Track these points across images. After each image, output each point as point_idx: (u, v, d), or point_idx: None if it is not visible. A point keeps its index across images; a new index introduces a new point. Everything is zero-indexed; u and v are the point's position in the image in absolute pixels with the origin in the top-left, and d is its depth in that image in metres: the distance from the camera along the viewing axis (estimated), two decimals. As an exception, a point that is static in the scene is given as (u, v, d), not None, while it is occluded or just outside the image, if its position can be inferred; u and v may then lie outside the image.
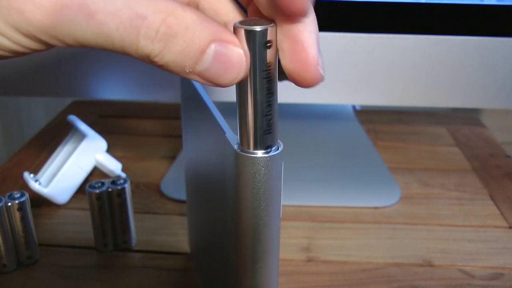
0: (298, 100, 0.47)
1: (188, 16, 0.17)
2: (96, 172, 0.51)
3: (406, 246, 0.42)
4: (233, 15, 0.22)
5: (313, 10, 0.20)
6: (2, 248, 0.37)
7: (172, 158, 0.56)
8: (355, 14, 0.43)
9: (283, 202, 0.47)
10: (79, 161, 0.47)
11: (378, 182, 0.51)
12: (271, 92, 0.20)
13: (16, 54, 0.18)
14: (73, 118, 0.49)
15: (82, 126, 0.48)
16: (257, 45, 0.18)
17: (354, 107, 0.68)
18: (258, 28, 0.18)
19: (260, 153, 0.20)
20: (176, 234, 0.43)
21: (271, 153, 0.20)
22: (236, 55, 0.18)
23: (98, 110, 0.70)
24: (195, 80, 0.19)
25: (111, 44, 0.17)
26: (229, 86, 0.19)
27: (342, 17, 0.43)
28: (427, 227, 0.45)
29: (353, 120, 0.64)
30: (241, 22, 0.19)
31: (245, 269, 0.23)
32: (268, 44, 0.19)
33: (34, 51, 0.18)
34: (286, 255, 0.41)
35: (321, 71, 0.20)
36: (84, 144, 0.47)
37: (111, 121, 0.66)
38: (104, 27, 0.16)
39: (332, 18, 0.43)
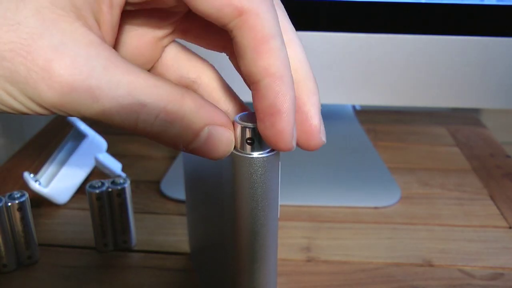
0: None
1: (186, 105, 0.19)
2: (96, 172, 0.51)
3: (406, 246, 0.42)
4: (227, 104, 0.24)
5: (314, 83, 0.22)
6: (2, 248, 0.37)
7: (172, 158, 0.56)
8: (355, 14, 0.43)
9: (283, 202, 0.47)
10: (79, 161, 0.47)
11: (378, 182, 0.51)
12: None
13: (22, 113, 0.19)
14: (73, 118, 0.49)
15: (82, 126, 0.48)
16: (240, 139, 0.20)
17: (354, 107, 0.68)
18: (242, 124, 0.20)
19: (256, 154, 0.20)
20: (176, 234, 0.43)
21: (268, 154, 0.20)
22: (226, 137, 0.20)
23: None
24: (184, 151, 0.20)
25: (110, 122, 0.18)
26: (216, 160, 0.20)
27: (342, 17, 0.43)
28: (427, 227, 0.45)
29: (353, 120, 0.64)
30: (241, 117, 0.20)
31: (244, 269, 0.23)
32: (249, 141, 0.20)
33: (43, 115, 0.19)
34: (286, 255, 0.41)
35: (323, 138, 0.22)
36: (84, 144, 0.47)
37: (111, 121, 0.66)
38: (106, 110, 0.18)
39: (332, 18, 0.43)
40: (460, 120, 0.69)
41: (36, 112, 0.18)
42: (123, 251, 0.41)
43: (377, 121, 0.68)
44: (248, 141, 0.20)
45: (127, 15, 0.22)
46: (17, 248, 0.38)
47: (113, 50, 0.19)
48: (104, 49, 0.18)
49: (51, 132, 0.63)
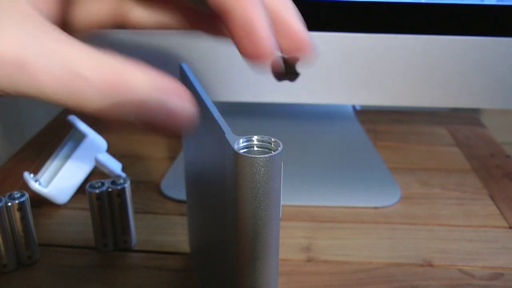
0: (298, 100, 0.47)
1: (129, 72, 0.18)
2: (96, 172, 0.51)
3: (406, 246, 0.42)
4: None
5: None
6: (2, 248, 0.37)
7: (172, 158, 0.56)
8: (355, 14, 0.43)
9: (283, 202, 0.47)
10: (79, 161, 0.47)
11: (378, 182, 0.51)
12: None
13: None
14: (73, 118, 0.49)
15: (82, 126, 0.48)
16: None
17: (354, 107, 0.68)
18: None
19: (259, 153, 0.20)
20: (176, 234, 0.43)
21: (270, 153, 0.20)
22: (178, 100, 0.19)
23: (98, 110, 0.70)
24: (145, 131, 0.19)
25: (45, 97, 0.17)
26: (177, 134, 0.19)
27: (342, 17, 0.43)
28: (427, 227, 0.45)
29: (353, 120, 0.64)
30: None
31: (245, 269, 0.23)
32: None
33: None
34: (286, 255, 0.41)
35: (309, 38, 0.21)
36: (84, 144, 0.47)
37: (111, 121, 0.66)
38: (38, 82, 0.17)
39: (332, 18, 0.43)
40: (460, 120, 0.69)
41: None
42: (123, 251, 0.41)
43: (377, 121, 0.68)
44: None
45: None
46: (17, 248, 0.38)
47: (49, 21, 0.18)
48: (37, 19, 0.17)
49: (51, 132, 0.63)
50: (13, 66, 0.16)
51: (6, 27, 0.16)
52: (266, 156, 0.20)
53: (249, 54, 0.20)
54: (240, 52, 0.20)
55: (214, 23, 0.24)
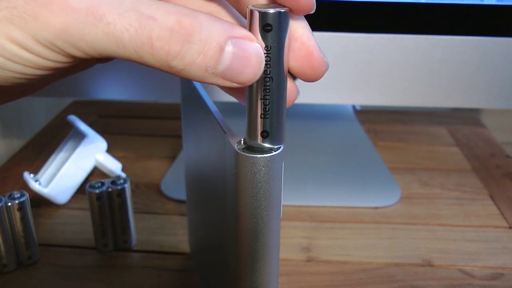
0: (298, 100, 0.47)
1: (200, 16, 0.17)
2: (96, 172, 0.51)
3: (406, 246, 0.42)
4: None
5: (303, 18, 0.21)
6: (2, 248, 0.37)
7: (172, 158, 0.56)
8: (355, 14, 0.43)
9: (283, 202, 0.47)
10: (79, 161, 0.47)
11: (378, 182, 0.51)
12: (269, 76, 0.19)
13: (40, 69, 0.18)
14: (73, 118, 0.49)
15: (82, 126, 0.48)
16: (256, 27, 0.18)
17: (354, 107, 0.68)
18: (258, 10, 0.18)
19: (260, 153, 0.20)
20: (176, 234, 0.43)
21: (271, 153, 0.20)
22: (254, 49, 0.18)
23: (98, 110, 0.70)
24: (218, 84, 0.18)
25: (122, 47, 0.17)
26: (251, 83, 0.19)
27: (342, 17, 0.43)
28: (427, 227, 0.45)
29: (353, 120, 0.64)
30: (255, 5, 0.19)
31: (245, 269, 0.23)
32: (267, 28, 0.18)
33: (56, 63, 0.18)
34: (286, 255, 0.41)
35: (325, 59, 0.21)
36: (84, 144, 0.47)
37: (111, 121, 0.67)
38: (112, 28, 0.17)
39: (332, 18, 0.43)
40: (460, 120, 0.69)
41: (43, 56, 0.17)
42: (123, 251, 0.41)
43: (377, 121, 0.68)
44: (266, 27, 0.18)
45: None
46: (17, 248, 0.38)
47: None
48: None
49: (51, 132, 0.63)
50: (87, 14, 0.16)
51: None
52: (266, 156, 0.20)
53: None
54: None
55: None
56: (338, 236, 0.43)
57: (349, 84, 0.45)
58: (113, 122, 0.66)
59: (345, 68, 0.45)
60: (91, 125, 0.50)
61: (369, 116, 0.69)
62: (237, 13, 0.22)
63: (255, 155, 0.20)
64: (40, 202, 0.46)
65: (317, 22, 0.43)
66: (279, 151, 0.21)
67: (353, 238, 0.43)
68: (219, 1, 0.23)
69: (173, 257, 0.40)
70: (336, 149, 0.57)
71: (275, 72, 0.19)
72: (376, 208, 0.47)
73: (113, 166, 0.49)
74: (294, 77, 0.22)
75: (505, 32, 0.43)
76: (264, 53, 0.19)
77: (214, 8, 0.23)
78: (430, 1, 0.42)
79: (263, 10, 0.18)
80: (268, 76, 0.19)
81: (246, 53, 0.18)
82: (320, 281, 0.38)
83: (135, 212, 0.44)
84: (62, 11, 0.16)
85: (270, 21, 0.18)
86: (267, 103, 0.20)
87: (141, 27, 0.17)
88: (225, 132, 0.22)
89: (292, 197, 0.48)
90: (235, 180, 0.21)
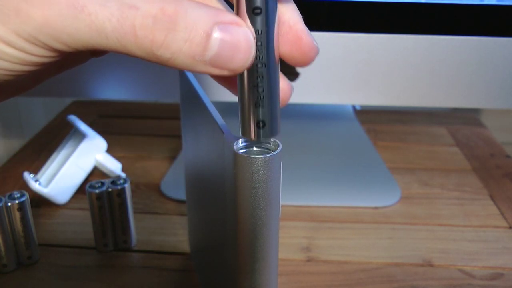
0: (298, 100, 0.47)
1: (185, 2, 0.17)
2: (96, 172, 0.51)
3: (406, 246, 0.42)
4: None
5: None
6: (2, 248, 0.37)
7: (172, 158, 0.56)
8: (355, 14, 0.43)
9: (283, 202, 0.47)
10: (79, 161, 0.47)
11: (378, 182, 0.51)
12: (261, 62, 0.18)
13: (27, 64, 0.18)
14: (73, 118, 0.49)
15: (82, 126, 0.48)
16: (244, 10, 0.18)
17: (354, 107, 0.68)
18: None
19: (258, 153, 0.20)
20: (176, 234, 0.43)
21: (269, 154, 0.20)
22: (243, 34, 0.17)
23: (98, 110, 0.70)
24: (207, 72, 0.18)
25: (105, 38, 0.17)
26: (243, 70, 0.18)
27: (342, 17, 0.43)
28: (427, 227, 0.45)
29: (353, 120, 0.64)
30: None
31: (245, 269, 0.23)
32: (256, 11, 0.18)
33: (42, 58, 0.17)
34: (286, 255, 0.41)
35: (315, 43, 0.20)
36: (84, 144, 0.47)
37: (111, 121, 0.67)
38: (94, 19, 0.16)
39: (332, 18, 0.43)
40: (460, 120, 0.69)
41: (28, 51, 0.17)
42: (123, 251, 0.41)
43: (377, 121, 0.68)
44: (256, 10, 0.18)
45: None
46: (17, 248, 0.38)
47: None
48: None
49: (51, 132, 0.63)
50: (68, 6, 0.16)
51: None
52: (265, 156, 0.20)
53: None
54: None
55: None
56: (338, 236, 0.43)
57: (349, 84, 0.45)
58: (113, 122, 0.66)
59: (345, 68, 0.45)
60: (91, 125, 0.50)
61: (369, 116, 0.69)
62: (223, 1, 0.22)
63: (253, 156, 0.20)
64: (40, 202, 0.46)
65: (317, 22, 0.43)
66: (277, 151, 0.21)
67: (353, 238, 0.43)
68: None
69: (173, 257, 0.40)
70: (336, 149, 0.57)
71: (267, 57, 0.18)
72: (376, 208, 0.47)
73: (113, 166, 0.49)
74: (285, 72, 0.21)
75: (505, 32, 0.43)
76: (254, 38, 0.18)
77: None
78: (430, 1, 0.42)
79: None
80: (261, 61, 0.18)
81: (235, 38, 0.17)
82: (320, 281, 0.38)
83: (135, 212, 0.44)
84: (43, 4, 0.16)
85: (259, 3, 0.18)
86: (261, 90, 0.19)
87: (123, 16, 0.16)
88: (223, 132, 0.22)
89: (292, 197, 0.48)
90: (233, 180, 0.21)
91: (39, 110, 0.67)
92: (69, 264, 0.39)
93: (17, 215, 0.37)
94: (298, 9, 0.21)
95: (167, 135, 0.62)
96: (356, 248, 0.42)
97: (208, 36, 0.17)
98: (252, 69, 0.19)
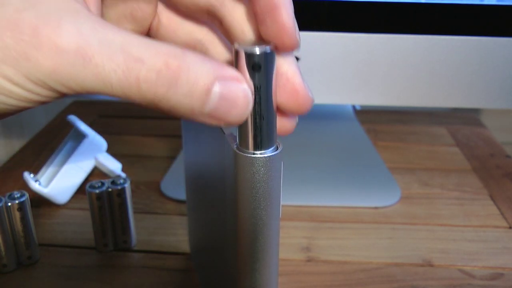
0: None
1: (189, 57, 0.17)
2: (96, 172, 0.51)
3: (406, 246, 0.42)
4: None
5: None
6: (2, 248, 0.37)
7: (172, 158, 0.56)
8: (355, 14, 0.43)
9: (283, 202, 0.47)
10: (79, 161, 0.47)
11: (378, 182, 0.51)
12: (259, 115, 0.20)
13: (32, 102, 0.18)
14: (73, 118, 0.49)
15: (82, 126, 0.48)
16: (243, 66, 0.19)
17: (354, 107, 0.68)
18: (245, 49, 0.18)
19: (259, 153, 0.20)
20: (176, 234, 0.43)
21: (270, 153, 0.20)
22: (241, 91, 0.18)
23: (98, 110, 0.70)
24: (204, 122, 0.18)
25: (110, 87, 0.17)
26: (239, 123, 0.19)
27: (342, 17, 0.43)
28: (427, 227, 0.45)
29: (353, 120, 0.64)
30: (241, 44, 0.19)
31: (245, 269, 0.23)
32: (255, 68, 0.19)
33: (47, 98, 0.18)
34: (286, 255, 0.40)
35: (311, 95, 0.21)
36: (84, 144, 0.47)
37: (111, 121, 0.67)
38: (100, 70, 0.17)
39: (332, 18, 0.43)
40: (460, 120, 0.69)
41: (35, 92, 0.18)
42: (123, 251, 0.41)
43: (377, 121, 0.68)
44: (255, 67, 0.19)
45: None
46: (17, 248, 0.38)
47: (100, 18, 0.18)
48: (91, 15, 0.17)
49: (51, 132, 0.63)
50: (76, 56, 0.17)
51: (62, 20, 0.17)
52: (265, 155, 0.20)
53: (271, 32, 0.19)
54: (261, 29, 0.20)
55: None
56: (338, 236, 0.43)
57: (349, 84, 0.45)
58: (113, 122, 0.66)
59: (345, 68, 0.45)
60: (91, 125, 0.50)
61: (369, 116, 0.69)
62: (227, 41, 0.23)
63: (254, 155, 0.20)
64: (40, 202, 0.46)
65: (317, 22, 0.43)
66: (278, 151, 0.21)
67: (353, 238, 0.43)
68: (210, 27, 0.23)
69: (173, 257, 0.40)
70: (336, 149, 0.57)
71: (266, 111, 0.19)
72: (376, 208, 0.47)
73: (113, 166, 0.49)
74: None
75: (505, 32, 0.43)
76: (253, 94, 0.19)
77: (205, 35, 0.23)
78: (430, 1, 0.42)
79: (249, 49, 0.18)
80: (259, 114, 0.19)
81: (234, 94, 0.18)
82: (320, 281, 0.38)
83: (135, 212, 0.44)
84: (52, 53, 0.17)
85: (258, 61, 0.18)
86: (259, 141, 0.20)
87: (129, 69, 0.17)
88: (224, 132, 0.22)
89: (292, 197, 0.48)
90: (234, 180, 0.21)
91: (39, 110, 0.67)
92: (69, 264, 0.39)
93: (17, 215, 0.37)
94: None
95: (167, 135, 0.62)
96: (356, 248, 0.42)
97: (208, 91, 0.18)
98: (251, 121, 0.20)
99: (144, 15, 0.23)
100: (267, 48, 0.18)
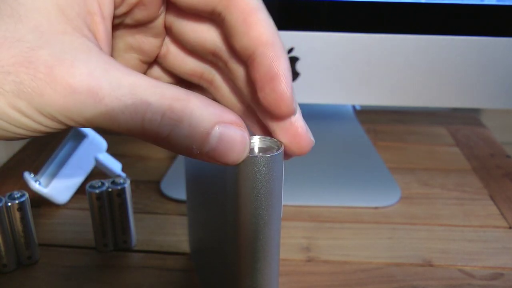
0: (298, 100, 0.47)
1: (193, 103, 0.18)
2: (96, 172, 0.51)
3: (406, 246, 0.42)
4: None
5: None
6: (2, 248, 0.37)
7: (172, 158, 0.56)
8: (355, 14, 0.43)
9: (283, 202, 0.47)
10: (79, 161, 0.47)
11: (378, 182, 0.51)
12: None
13: (39, 133, 0.20)
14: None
15: (82, 126, 0.48)
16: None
17: (354, 107, 0.68)
18: (251, 155, 0.20)
19: (261, 153, 0.20)
20: (176, 234, 0.43)
21: (272, 153, 0.20)
22: (240, 135, 0.19)
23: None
24: (202, 160, 0.19)
25: (117, 125, 0.18)
26: (235, 164, 0.20)
27: (342, 17, 0.43)
28: (427, 227, 0.45)
29: (353, 120, 0.64)
30: (252, 138, 0.20)
31: (245, 269, 0.23)
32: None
33: (55, 130, 0.20)
34: (286, 255, 0.40)
35: (312, 138, 0.22)
36: (84, 144, 0.47)
37: (111, 121, 0.66)
38: (109, 110, 0.18)
39: (332, 18, 0.43)
40: (460, 120, 0.69)
41: (44, 124, 0.19)
42: (123, 251, 0.41)
43: (377, 121, 0.68)
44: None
45: (117, 27, 0.23)
46: (17, 248, 0.38)
47: (111, 57, 0.19)
48: (103, 55, 0.18)
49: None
50: (87, 96, 0.18)
51: (76, 61, 0.18)
52: (267, 155, 0.20)
53: (269, 100, 0.20)
54: (259, 96, 0.21)
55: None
56: (338, 236, 0.43)
57: (349, 84, 0.46)
58: (113, 122, 0.66)
59: (345, 68, 0.45)
60: (91, 125, 0.50)
61: (369, 116, 0.69)
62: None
63: (256, 155, 0.20)
64: (40, 202, 0.46)
65: (317, 22, 0.43)
66: (280, 150, 0.21)
67: (353, 238, 0.43)
68: (214, 64, 0.24)
69: (173, 257, 0.40)
70: (336, 149, 0.57)
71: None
72: (376, 208, 0.47)
73: (113, 166, 0.49)
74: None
75: (505, 32, 0.43)
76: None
77: (208, 75, 0.24)
78: (430, 1, 0.42)
79: (255, 156, 0.20)
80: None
81: (232, 138, 0.19)
82: (320, 281, 0.38)
83: (135, 212, 0.44)
84: (65, 92, 0.18)
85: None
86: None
87: (136, 111, 0.18)
88: None
89: (292, 197, 0.48)
90: (235, 179, 0.21)
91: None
92: (69, 264, 0.39)
93: (17, 215, 0.37)
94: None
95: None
96: (356, 248, 0.42)
97: (208, 134, 0.18)
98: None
99: (151, 47, 0.24)
100: (275, 151, 0.21)
